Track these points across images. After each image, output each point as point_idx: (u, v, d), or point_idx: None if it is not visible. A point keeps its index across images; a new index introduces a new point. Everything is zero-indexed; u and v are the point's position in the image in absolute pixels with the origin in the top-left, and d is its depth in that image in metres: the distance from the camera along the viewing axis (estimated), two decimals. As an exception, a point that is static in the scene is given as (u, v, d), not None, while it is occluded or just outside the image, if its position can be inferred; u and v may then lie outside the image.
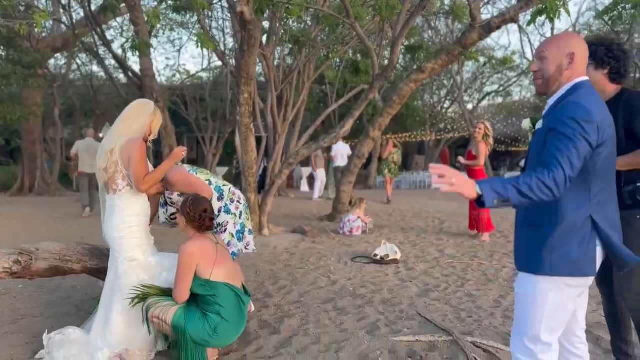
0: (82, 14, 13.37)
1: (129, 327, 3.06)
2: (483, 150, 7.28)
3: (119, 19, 16.97)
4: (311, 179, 15.84)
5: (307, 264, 5.90)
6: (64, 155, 18.48)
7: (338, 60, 13.76)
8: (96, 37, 12.65)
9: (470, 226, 7.74)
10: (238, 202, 3.76)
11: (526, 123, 2.37)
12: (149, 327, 3.02)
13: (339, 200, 9.37)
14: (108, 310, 3.10)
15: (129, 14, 11.33)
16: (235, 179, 14.13)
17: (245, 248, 3.85)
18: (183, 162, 4.24)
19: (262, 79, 16.92)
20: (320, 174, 14.48)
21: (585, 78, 2.03)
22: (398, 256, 5.94)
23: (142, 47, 9.09)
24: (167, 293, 3.05)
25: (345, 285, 4.90)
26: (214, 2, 10.90)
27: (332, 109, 13.39)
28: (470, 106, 24.62)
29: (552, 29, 17.21)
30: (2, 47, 13.56)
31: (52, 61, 18.23)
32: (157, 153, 14.69)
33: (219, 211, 3.62)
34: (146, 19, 8.43)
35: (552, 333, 1.99)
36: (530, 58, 18.44)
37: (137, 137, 3.15)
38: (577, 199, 1.92)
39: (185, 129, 19.78)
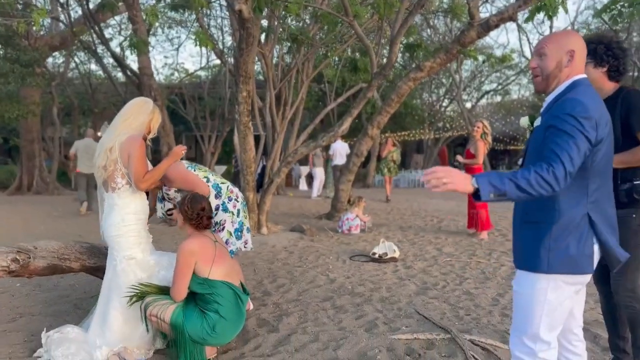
0: (80, 12, 13.34)
1: (127, 325, 3.06)
2: (481, 149, 7.30)
3: (117, 17, 16.95)
4: (310, 178, 15.84)
5: (305, 262, 5.90)
6: (62, 153, 18.48)
7: (337, 59, 13.73)
8: (94, 35, 12.63)
9: (468, 224, 7.75)
10: (236, 200, 3.76)
11: (524, 120, 2.37)
12: (147, 325, 3.02)
13: (338, 199, 9.38)
14: (106, 308, 3.10)
15: (127, 12, 11.30)
16: (234, 177, 14.13)
17: (244, 246, 3.86)
18: (182, 160, 4.23)
19: (261, 77, 16.93)
20: (319, 173, 14.48)
21: (584, 76, 2.03)
22: (396, 254, 5.95)
23: (140, 46, 9.08)
24: (165, 291, 3.05)
25: (343, 283, 4.90)
26: (213, 0, 10.88)
27: (330, 108, 13.39)
28: (469, 105, 24.64)
29: (551, 27, 17.23)
30: (0, 46, 13.53)
31: (50, 59, 18.21)
32: (155, 152, 14.67)
33: (217, 209, 3.62)
34: (144, 17, 8.41)
35: (551, 331, 1.99)
36: (529, 56, 18.44)
37: (136, 135, 3.15)
38: (574, 196, 1.92)
39: (184, 127, 19.77)
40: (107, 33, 17.25)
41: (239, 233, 3.78)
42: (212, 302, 2.91)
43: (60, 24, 14.85)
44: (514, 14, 6.83)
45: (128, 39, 9.73)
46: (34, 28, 10.55)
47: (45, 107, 16.91)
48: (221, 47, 15.67)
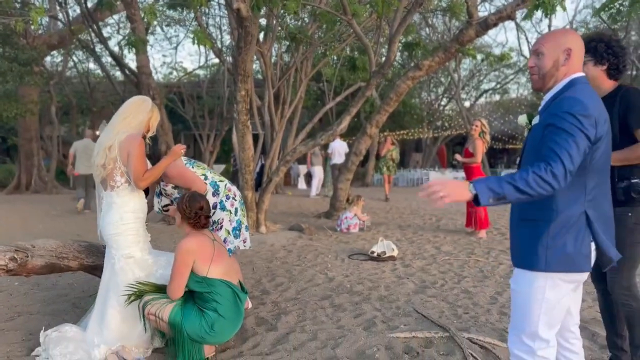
0: (78, 10, 13.31)
1: (125, 323, 3.06)
2: (480, 148, 7.30)
3: (116, 16, 16.92)
4: (308, 177, 15.84)
5: (304, 261, 5.90)
6: (60, 152, 18.46)
7: (335, 58, 13.74)
8: (93, 34, 12.60)
9: (467, 223, 7.76)
10: (233, 198, 3.75)
11: (522, 119, 2.37)
12: (145, 324, 3.02)
13: (337, 198, 9.38)
14: (104, 307, 3.10)
15: (125, 11, 11.28)
16: (232, 176, 14.13)
17: (243, 245, 3.86)
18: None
19: (260, 76, 16.94)
20: (318, 172, 14.47)
21: (581, 74, 2.03)
22: (395, 253, 5.95)
23: (139, 44, 9.07)
24: (163, 290, 3.05)
25: (342, 282, 4.90)
26: (211, -1, 10.87)
27: (329, 107, 13.38)
28: (467, 103, 24.63)
29: (549, 26, 17.22)
30: (-2, 45, 13.52)
31: (48, 58, 18.19)
32: (154, 151, 14.65)
33: (214, 207, 3.61)
34: (143, 15, 8.40)
35: (550, 329, 1.99)
36: (528, 55, 18.42)
37: (136, 134, 3.15)
38: (572, 194, 1.92)
39: (182, 126, 19.75)
40: (106, 32, 17.23)
41: (237, 232, 3.77)
42: (211, 301, 2.91)
43: (59, 23, 14.82)
44: (513, 12, 6.84)
45: (126, 37, 9.70)
46: (32, 27, 10.50)
47: (44, 106, 16.88)
48: (220, 45, 15.66)
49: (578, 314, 2.18)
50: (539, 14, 6.15)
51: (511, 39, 52.53)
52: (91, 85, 20.15)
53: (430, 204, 1.81)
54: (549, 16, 6.23)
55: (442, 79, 23.46)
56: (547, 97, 2.05)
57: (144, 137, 3.27)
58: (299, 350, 3.17)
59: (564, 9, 6.04)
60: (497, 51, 21.28)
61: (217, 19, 16.73)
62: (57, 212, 10.52)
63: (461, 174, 17.97)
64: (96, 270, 3.57)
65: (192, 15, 13.05)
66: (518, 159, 2.18)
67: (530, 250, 1.96)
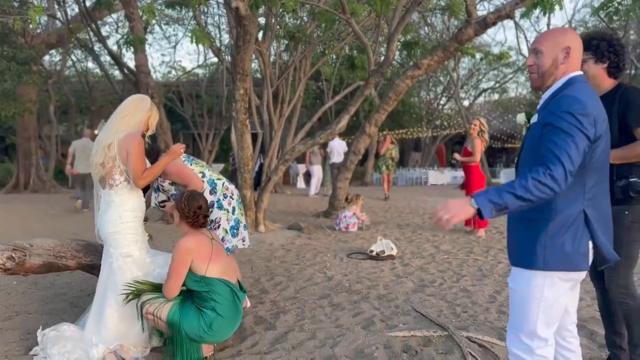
0: (76, 9, 13.29)
1: (123, 322, 3.05)
2: (479, 147, 7.30)
3: (114, 15, 16.89)
4: (307, 176, 15.83)
5: (303, 260, 5.90)
6: (59, 152, 18.44)
7: (334, 57, 13.73)
8: (91, 33, 12.57)
9: (465, 222, 7.76)
10: (231, 197, 3.75)
11: (521, 117, 2.36)
12: (143, 323, 3.01)
13: (335, 197, 9.37)
14: (102, 306, 3.09)
15: (123, 10, 11.26)
16: (231, 175, 14.11)
17: (242, 244, 3.85)
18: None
19: (258, 75, 16.90)
20: (317, 171, 14.47)
21: (580, 72, 2.03)
22: (394, 252, 5.95)
23: (137, 43, 9.06)
24: (160, 289, 3.04)
25: (341, 281, 4.90)
26: (210, -3, 10.86)
27: (328, 106, 13.39)
28: (466, 103, 24.64)
29: (548, 25, 17.20)
30: (-4, 43, 13.49)
31: (46, 57, 18.16)
32: (152, 150, 14.64)
33: (212, 206, 3.60)
34: (141, 14, 8.38)
35: (548, 327, 1.99)
36: (526, 54, 18.43)
37: (135, 133, 3.14)
38: (572, 193, 1.91)
39: (181, 125, 19.73)
40: (104, 31, 17.22)
41: (235, 230, 3.77)
42: (209, 300, 2.91)
43: (57, 22, 14.80)
44: (511, 11, 6.84)
45: (125, 36, 9.68)
46: (31, 26, 10.50)
47: (42, 105, 16.86)
48: (218, 44, 15.62)
49: (575, 313, 2.18)
50: (537, 12, 6.15)
51: (510, 37, 52.71)
52: (90, 84, 20.13)
53: (441, 230, 1.86)
54: (547, 15, 6.23)
55: (441, 78, 23.46)
56: (546, 95, 2.05)
57: (143, 136, 3.26)
58: (297, 349, 3.17)
59: (561, 7, 6.04)
60: (496, 50, 21.26)
61: (216, 18, 16.73)
62: (55, 211, 10.51)
63: (460, 172, 17.98)
64: (94, 269, 3.57)
65: (191, 14, 13.04)
66: (516, 158, 2.18)
67: (528, 249, 1.95)
